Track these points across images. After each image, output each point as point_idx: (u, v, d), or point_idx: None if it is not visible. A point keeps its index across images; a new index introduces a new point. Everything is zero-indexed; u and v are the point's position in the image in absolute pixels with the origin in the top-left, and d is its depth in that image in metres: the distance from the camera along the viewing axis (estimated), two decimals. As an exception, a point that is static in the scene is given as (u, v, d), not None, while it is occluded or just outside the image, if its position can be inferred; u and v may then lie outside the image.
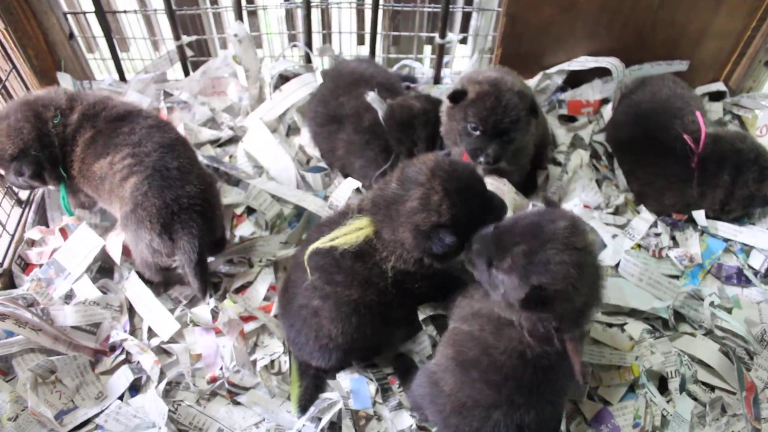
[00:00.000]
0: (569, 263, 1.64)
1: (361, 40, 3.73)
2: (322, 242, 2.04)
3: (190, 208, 2.23)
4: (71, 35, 3.27)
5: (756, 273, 2.69)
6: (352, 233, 2.01)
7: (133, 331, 2.39)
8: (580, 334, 1.84)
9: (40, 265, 2.51)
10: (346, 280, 2.04)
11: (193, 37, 3.40)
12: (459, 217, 1.91)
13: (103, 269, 2.57)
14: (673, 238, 2.81)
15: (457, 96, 2.53)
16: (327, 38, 3.65)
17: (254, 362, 2.29)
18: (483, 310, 1.92)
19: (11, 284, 2.48)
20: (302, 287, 2.12)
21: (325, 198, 2.82)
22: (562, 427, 2.03)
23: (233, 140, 3.20)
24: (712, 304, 2.48)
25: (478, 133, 2.50)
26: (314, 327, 2.11)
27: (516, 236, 1.73)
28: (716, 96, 3.49)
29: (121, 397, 2.19)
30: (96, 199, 2.48)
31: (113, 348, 2.33)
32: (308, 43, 3.41)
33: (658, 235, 2.79)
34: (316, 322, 2.10)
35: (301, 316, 2.14)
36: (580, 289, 1.67)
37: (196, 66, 3.49)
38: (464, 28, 3.66)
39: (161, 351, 2.33)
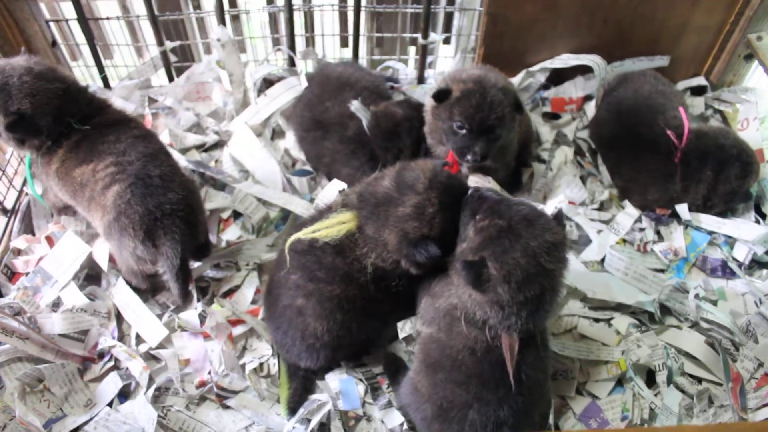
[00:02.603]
0: (522, 267, 1.67)
1: (344, 43, 3.73)
2: (304, 233, 2.04)
3: (173, 214, 2.22)
4: (54, 43, 3.25)
5: (740, 265, 2.71)
6: (333, 227, 2.01)
7: (122, 338, 2.39)
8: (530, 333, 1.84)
9: (27, 274, 2.50)
10: (328, 276, 2.04)
11: (177, 43, 3.40)
12: (447, 232, 1.93)
13: (90, 276, 2.56)
14: (657, 232, 2.83)
15: (441, 95, 2.54)
16: (310, 41, 3.65)
17: (243, 366, 2.29)
18: (441, 306, 1.93)
19: (-3, 293, 2.47)
20: (285, 287, 2.12)
21: (311, 201, 2.83)
22: (551, 420, 2.05)
23: (219, 145, 3.20)
24: (697, 296, 2.49)
25: (464, 131, 2.50)
26: (300, 327, 2.11)
27: (510, 214, 1.74)
28: (698, 91, 3.51)
29: (110, 404, 2.19)
30: (71, 204, 2.45)
31: (101, 355, 2.32)
32: (291, 47, 3.41)
33: (642, 229, 2.81)
34: (302, 322, 2.10)
35: (286, 317, 2.14)
36: (515, 295, 1.69)
37: (180, 71, 3.48)
38: (447, 28, 3.67)
39: (150, 357, 2.33)
